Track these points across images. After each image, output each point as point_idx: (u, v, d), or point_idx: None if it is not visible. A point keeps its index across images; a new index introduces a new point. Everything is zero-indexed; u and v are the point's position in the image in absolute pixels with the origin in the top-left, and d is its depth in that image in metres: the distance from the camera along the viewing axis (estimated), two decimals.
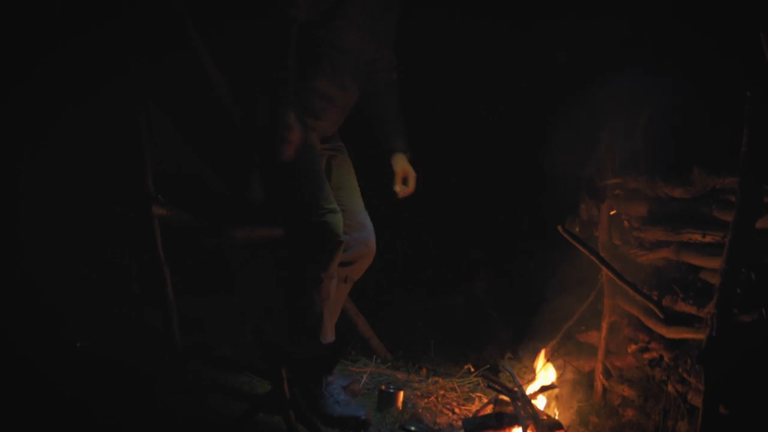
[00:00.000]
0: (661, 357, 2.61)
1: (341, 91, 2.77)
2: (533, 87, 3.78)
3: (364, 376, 3.18)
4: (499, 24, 3.83)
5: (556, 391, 2.86)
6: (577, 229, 3.24)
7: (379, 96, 2.99)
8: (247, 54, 2.74)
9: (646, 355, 2.74)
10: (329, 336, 2.77)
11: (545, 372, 2.99)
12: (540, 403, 2.78)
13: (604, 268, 2.68)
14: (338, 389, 2.71)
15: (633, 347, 2.86)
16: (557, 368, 3.01)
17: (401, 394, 2.94)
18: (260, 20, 2.62)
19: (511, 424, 2.53)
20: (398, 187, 2.99)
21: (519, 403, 2.55)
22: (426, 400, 2.96)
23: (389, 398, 2.91)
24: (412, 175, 3.00)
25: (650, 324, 2.68)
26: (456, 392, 3.09)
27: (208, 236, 2.90)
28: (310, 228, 2.64)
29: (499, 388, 2.63)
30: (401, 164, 3.00)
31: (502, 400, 2.63)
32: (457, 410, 2.91)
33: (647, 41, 3.01)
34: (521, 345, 3.39)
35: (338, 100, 2.79)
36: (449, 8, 3.84)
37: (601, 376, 3.03)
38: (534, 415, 2.51)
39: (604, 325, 3.03)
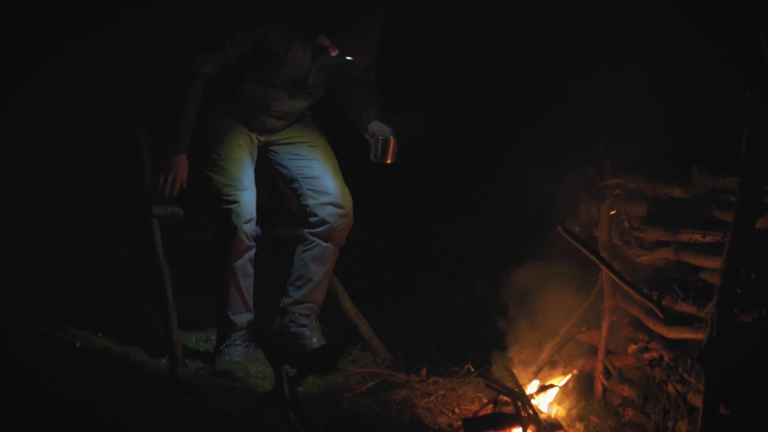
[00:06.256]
0: (661, 357, 2.61)
1: (277, 101, 3.03)
2: (525, 83, 3.77)
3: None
4: (496, 22, 3.82)
5: (556, 391, 2.86)
6: (577, 229, 3.23)
7: (350, 96, 3.15)
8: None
9: (646, 355, 2.74)
10: (239, 310, 3.03)
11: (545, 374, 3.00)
12: (540, 403, 2.78)
13: (604, 268, 2.68)
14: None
15: (633, 347, 2.85)
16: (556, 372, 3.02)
17: (393, 143, 2.92)
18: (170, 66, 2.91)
19: (511, 424, 2.53)
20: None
21: (519, 403, 2.55)
22: (426, 400, 2.95)
23: (380, 147, 2.91)
24: (387, 130, 3.00)
25: (650, 324, 2.68)
26: (456, 392, 3.08)
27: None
28: (219, 213, 2.98)
29: (499, 388, 2.63)
30: (376, 125, 3.02)
31: (502, 400, 2.63)
32: (457, 410, 2.90)
33: (648, 40, 3.01)
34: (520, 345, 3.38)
35: (275, 107, 3.05)
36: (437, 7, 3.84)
37: (601, 376, 3.03)
38: (534, 415, 2.51)
39: (604, 325, 3.03)
